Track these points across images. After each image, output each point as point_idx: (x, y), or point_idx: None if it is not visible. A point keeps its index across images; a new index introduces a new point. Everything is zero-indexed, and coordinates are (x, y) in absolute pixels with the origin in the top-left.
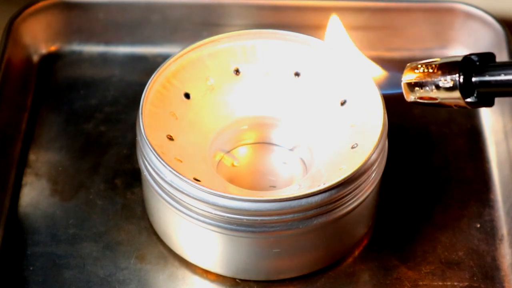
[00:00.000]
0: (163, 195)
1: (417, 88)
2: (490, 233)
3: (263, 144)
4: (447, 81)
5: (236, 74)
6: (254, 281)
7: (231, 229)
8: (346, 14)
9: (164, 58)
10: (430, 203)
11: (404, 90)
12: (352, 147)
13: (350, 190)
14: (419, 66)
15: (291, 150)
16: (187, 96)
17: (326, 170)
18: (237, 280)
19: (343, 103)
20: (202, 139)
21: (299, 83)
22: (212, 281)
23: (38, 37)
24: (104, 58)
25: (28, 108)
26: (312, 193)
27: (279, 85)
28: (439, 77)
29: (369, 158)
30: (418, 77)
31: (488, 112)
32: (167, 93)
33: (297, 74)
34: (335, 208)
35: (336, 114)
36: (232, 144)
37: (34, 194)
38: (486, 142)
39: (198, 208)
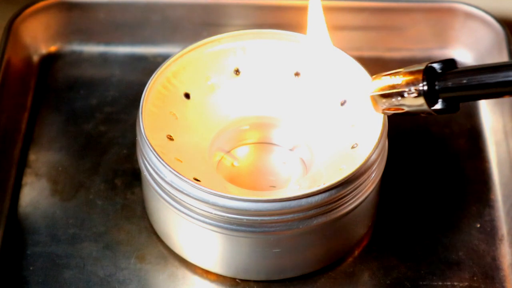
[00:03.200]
0: (163, 195)
1: (384, 100)
2: (490, 233)
3: (263, 144)
4: (411, 90)
5: (236, 74)
6: (254, 281)
7: (231, 229)
8: (346, 14)
9: (164, 58)
10: (430, 203)
11: (371, 102)
12: (352, 147)
13: (350, 190)
14: (384, 77)
15: (291, 150)
16: (187, 96)
17: (326, 170)
18: (237, 280)
19: (343, 103)
20: (202, 139)
21: (299, 83)
22: (212, 281)
23: (38, 37)
24: (104, 58)
25: (28, 108)
26: (312, 193)
27: (279, 85)
28: (404, 87)
29: (369, 158)
30: (384, 88)
31: (488, 112)
32: (167, 93)
33: (297, 74)
34: (335, 208)
35: (336, 114)
36: (232, 144)
37: (34, 194)
38: (486, 142)
39: (198, 208)
